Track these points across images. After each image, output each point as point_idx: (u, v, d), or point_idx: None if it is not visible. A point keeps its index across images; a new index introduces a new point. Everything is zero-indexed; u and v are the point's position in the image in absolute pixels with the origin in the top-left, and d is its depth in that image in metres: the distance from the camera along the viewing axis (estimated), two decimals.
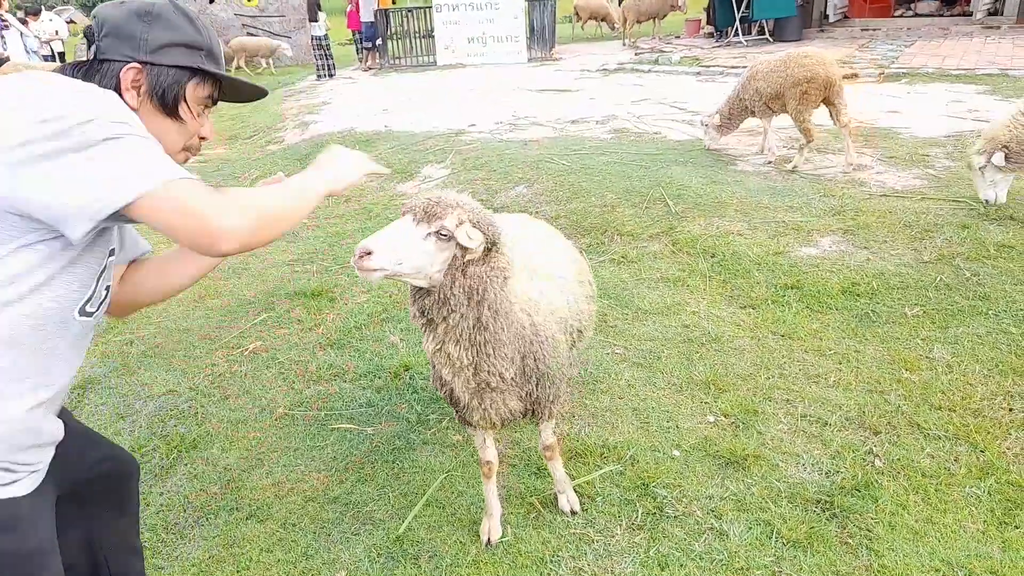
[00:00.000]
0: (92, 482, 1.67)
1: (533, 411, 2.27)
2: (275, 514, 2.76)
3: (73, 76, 1.40)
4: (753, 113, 6.49)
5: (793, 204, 5.33)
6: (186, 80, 1.48)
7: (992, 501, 2.60)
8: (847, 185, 5.66)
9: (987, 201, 4.90)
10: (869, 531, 2.48)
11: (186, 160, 1.56)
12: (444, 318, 1.91)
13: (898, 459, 2.85)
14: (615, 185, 5.93)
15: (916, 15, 17.14)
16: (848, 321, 3.93)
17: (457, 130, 8.65)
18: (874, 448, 2.93)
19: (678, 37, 18.36)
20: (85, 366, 4.00)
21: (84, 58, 1.46)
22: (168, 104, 1.47)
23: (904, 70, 10.26)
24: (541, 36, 17.00)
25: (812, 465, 2.85)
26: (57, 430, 1.45)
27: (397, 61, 17.57)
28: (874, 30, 15.56)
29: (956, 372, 3.41)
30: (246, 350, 4.08)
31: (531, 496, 2.76)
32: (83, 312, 1.39)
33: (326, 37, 16.40)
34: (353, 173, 1.67)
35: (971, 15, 15.75)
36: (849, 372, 3.49)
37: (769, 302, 4.18)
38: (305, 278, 5.05)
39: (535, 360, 2.12)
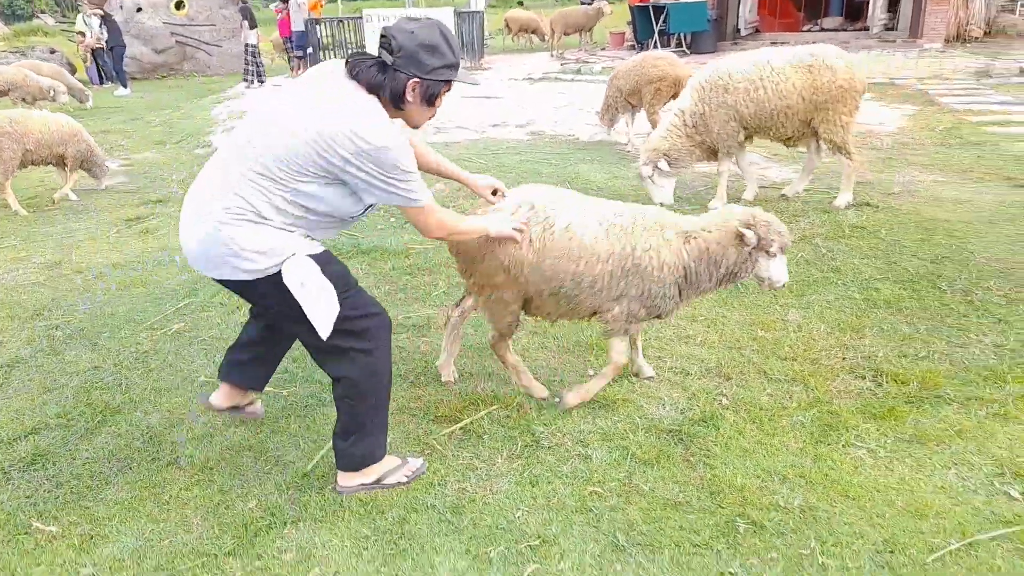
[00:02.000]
0: None
1: None
2: (194, 461, 3.05)
3: (371, 69, 2.35)
4: (617, 109, 7.21)
5: (681, 195, 5.87)
6: (444, 88, 2.46)
7: (813, 427, 3.10)
8: (732, 179, 6.24)
9: (661, 204, 5.60)
10: (708, 451, 2.95)
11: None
12: None
13: (742, 398, 3.34)
14: (526, 180, 6.38)
15: (822, 29, 18.35)
16: (720, 293, 4.43)
17: None
18: (724, 390, 3.41)
19: (603, 49, 19.13)
20: (11, 348, 4.19)
21: (380, 58, 2.37)
22: (431, 103, 2.48)
23: None
24: (470, 47, 17.49)
25: (671, 405, 3.31)
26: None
27: None
28: (783, 43, 16.59)
29: (804, 331, 3.95)
30: (170, 330, 4.34)
31: (428, 437, 3.13)
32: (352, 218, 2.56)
33: (257, 45, 16.51)
34: (507, 230, 3.02)
35: (869, 30, 16.97)
36: (715, 334, 3.99)
37: None
38: None
39: None
